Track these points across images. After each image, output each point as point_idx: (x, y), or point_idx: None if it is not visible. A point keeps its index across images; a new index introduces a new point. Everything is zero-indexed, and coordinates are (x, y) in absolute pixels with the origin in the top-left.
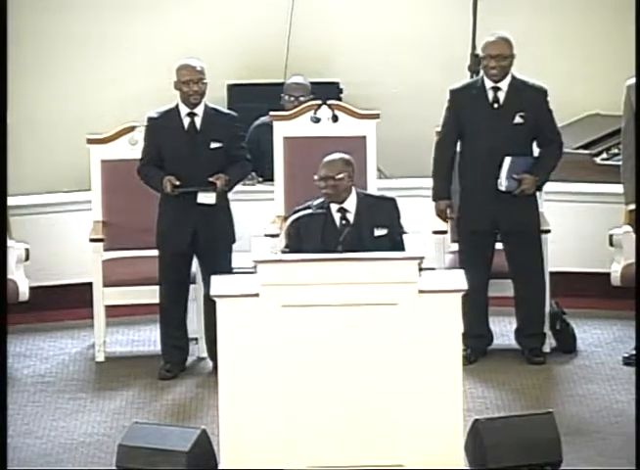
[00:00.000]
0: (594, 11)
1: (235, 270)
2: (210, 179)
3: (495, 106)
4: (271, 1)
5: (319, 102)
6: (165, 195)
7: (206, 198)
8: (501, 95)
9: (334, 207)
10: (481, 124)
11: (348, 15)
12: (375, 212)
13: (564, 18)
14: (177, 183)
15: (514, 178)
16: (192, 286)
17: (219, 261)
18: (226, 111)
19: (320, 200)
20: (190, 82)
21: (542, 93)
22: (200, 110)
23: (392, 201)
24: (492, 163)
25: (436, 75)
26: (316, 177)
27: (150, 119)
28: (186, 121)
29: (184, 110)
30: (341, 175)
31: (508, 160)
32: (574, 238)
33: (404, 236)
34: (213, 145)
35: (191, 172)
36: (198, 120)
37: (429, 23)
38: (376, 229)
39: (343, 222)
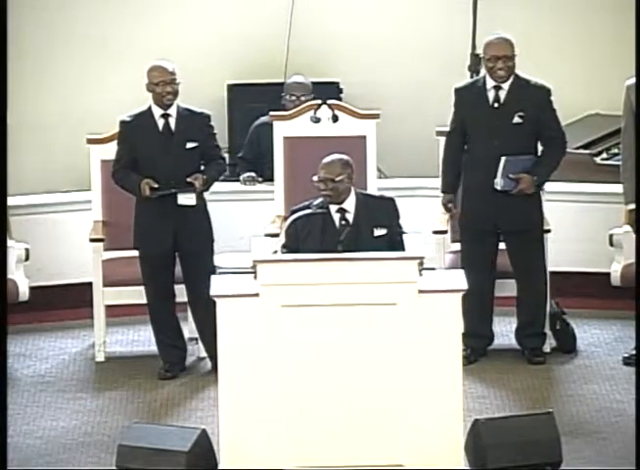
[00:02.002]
0: (594, 11)
1: (219, 271)
2: (189, 180)
3: (496, 105)
4: (271, 1)
5: (319, 102)
6: (144, 198)
7: (187, 199)
8: (502, 94)
9: (333, 207)
10: (482, 124)
11: (348, 15)
12: (374, 213)
13: (564, 18)
14: (156, 186)
15: (510, 178)
16: (180, 286)
17: (203, 262)
18: (199, 110)
19: (320, 200)
20: (162, 83)
21: (545, 92)
22: (173, 110)
23: (392, 201)
24: (493, 162)
25: (436, 75)
26: (315, 179)
27: (122, 123)
28: (160, 123)
29: (157, 111)
30: (340, 177)
31: (503, 159)
32: (575, 238)
33: (404, 236)
34: (189, 145)
35: (167, 174)
36: (172, 121)
37: (429, 23)
38: (375, 229)
39: (343, 223)
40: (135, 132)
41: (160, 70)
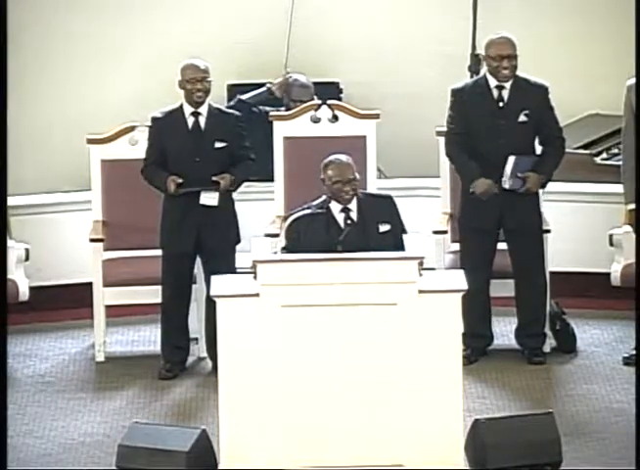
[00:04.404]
0: (594, 11)
1: (239, 270)
2: (215, 178)
3: (500, 104)
4: (271, 1)
5: (319, 102)
6: (169, 195)
7: (209, 199)
8: (505, 94)
9: (336, 207)
10: (487, 123)
11: (348, 15)
12: (376, 210)
13: (564, 17)
14: (180, 181)
15: (518, 177)
16: (193, 286)
17: (223, 262)
18: (230, 110)
19: (319, 200)
20: (194, 80)
21: (543, 90)
22: (204, 109)
23: (390, 198)
24: (496, 161)
25: (437, 75)
26: (334, 180)
27: (154, 120)
28: (190, 121)
29: (188, 109)
30: (356, 175)
31: (512, 158)
32: (574, 238)
33: (404, 236)
34: (218, 145)
35: (195, 172)
36: (202, 120)
37: (429, 23)
38: (380, 225)
39: (348, 222)
40: (165, 129)
41: (192, 67)
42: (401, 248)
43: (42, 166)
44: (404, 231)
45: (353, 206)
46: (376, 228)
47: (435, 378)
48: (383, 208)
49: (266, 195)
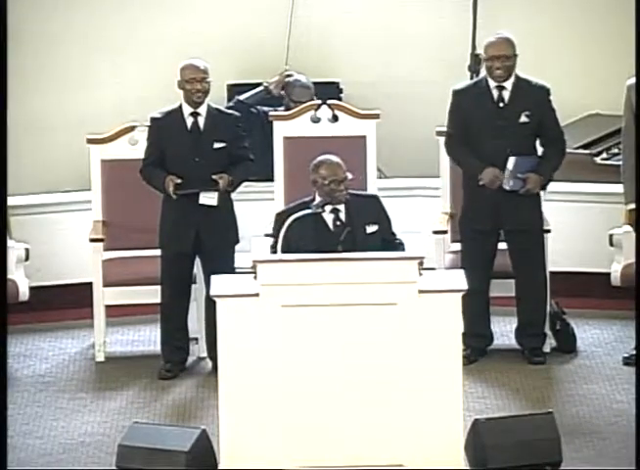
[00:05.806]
0: (594, 10)
1: (238, 270)
2: (214, 177)
3: (501, 105)
4: (271, 1)
5: (319, 102)
6: (168, 195)
7: (208, 199)
8: (506, 94)
9: (326, 208)
10: (487, 124)
11: (349, 15)
12: (364, 210)
13: (564, 17)
14: (179, 181)
15: (518, 178)
16: (193, 286)
17: (222, 262)
18: (229, 111)
19: (318, 200)
20: (193, 81)
21: (545, 92)
22: (203, 110)
23: (376, 198)
24: (497, 162)
25: (436, 75)
26: (329, 180)
27: (153, 120)
28: (189, 121)
29: (187, 110)
30: (349, 175)
31: (512, 159)
32: (574, 238)
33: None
34: (217, 145)
35: (194, 173)
36: (201, 120)
37: (429, 23)
38: (367, 226)
39: (337, 223)
40: (164, 130)
41: (191, 67)
42: (390, 247)
43: (42, 166)
44: (392, 230)
45: (341, 206)
46: (363, 229)
47: (435, 378)
48: (370, 208)
49: (266, 195)
